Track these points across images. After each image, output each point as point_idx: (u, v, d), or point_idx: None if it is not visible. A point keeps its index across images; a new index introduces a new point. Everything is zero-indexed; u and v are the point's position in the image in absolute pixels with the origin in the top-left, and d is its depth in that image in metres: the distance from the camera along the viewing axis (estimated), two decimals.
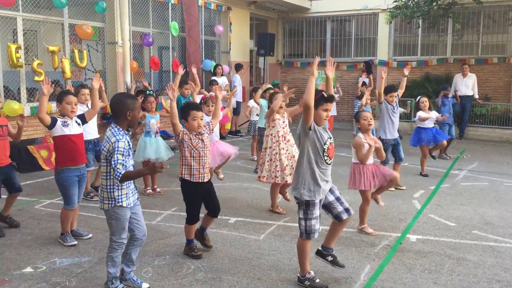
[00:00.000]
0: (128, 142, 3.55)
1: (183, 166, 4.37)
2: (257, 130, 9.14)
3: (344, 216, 3.97)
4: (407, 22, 14.07)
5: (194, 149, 4.32)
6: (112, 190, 3.55)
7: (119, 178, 3.42)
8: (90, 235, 5.00)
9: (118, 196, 3.55)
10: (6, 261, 4.37)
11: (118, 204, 3.55)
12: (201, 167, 4.36)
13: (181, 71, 7.42)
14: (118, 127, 3.55)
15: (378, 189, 5.32)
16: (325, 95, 3.83)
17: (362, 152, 5.07)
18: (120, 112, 3.56)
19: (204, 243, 4.65)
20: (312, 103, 3.66)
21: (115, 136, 3.47)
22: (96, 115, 5.62)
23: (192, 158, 4.33)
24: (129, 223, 3.71)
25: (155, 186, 6.88)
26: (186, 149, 4.33)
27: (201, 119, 4.37)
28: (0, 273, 4.10)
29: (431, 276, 4.14)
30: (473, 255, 4.63)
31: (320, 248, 4.12)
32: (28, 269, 4.20)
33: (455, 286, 3.95)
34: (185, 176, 4.37)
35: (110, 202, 3.56)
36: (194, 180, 4.36)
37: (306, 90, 3.68)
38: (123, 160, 3.44)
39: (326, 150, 3.79)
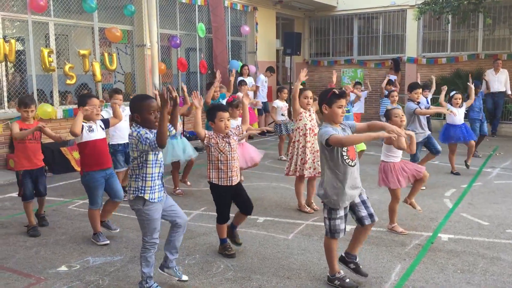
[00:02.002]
0: (150, 132, 3.59)
1: (211, 170, 4.40)
2: (289, 130, 9.17)
3: (367, 221, 3.86)
4: (436, 18, 13.84)
5: (221, 152, 4.35)
6: (136, 180, 3.63)
7: (156, 143, 3.43)
8: (118, 229, 5.11)
9: (142, 186, 3.60)
10: (42, 260, 4.49)
11: (140, 195, 3.60)
12: (229, 170, 4.37)
13: (218, 77, 7.48)
14: (138, 125, 3.62)
15: (411, 193, 5.24)
16: (336, 91, 3.78)
17: (395, 142, 4.94)
18: (132, 114, 3.66)
19: (234, 240, 4.68)
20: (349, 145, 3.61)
21: (134, 130, 3.57)
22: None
23: (219, 162, 4.35)
24: (168, 216, 3.80)
25: (186, 179, 6.99)
26: (213, 153, 4.36)
27: (228, 120, 4.39)
28: (36, 272, 4.22)
29: (464, 276, 4.07)
30: (507, 254, 4.52)
31: (343, 255, 4.04)
32: (63, 268, 4.31)
33: (489, 286, 3.86)
34: (213, 180, 4.40)
35: (134, 192, 3.62)
36: (222, 184, 4.39)
37: (352, 139, 3.60)
38: (150, 134, 3.51)
39: (345, 152, 3.70)
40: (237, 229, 4.71)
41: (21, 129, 5.03)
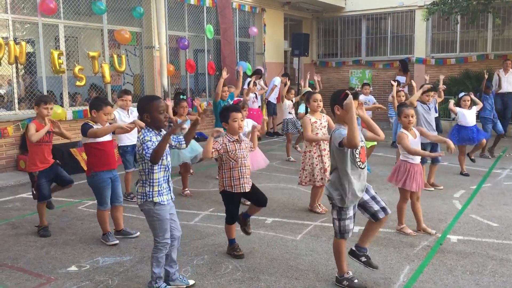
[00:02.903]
0: (158, 138, 3.62)
1: (223, 179, 4.41)
2: (295, 127, 9.20)
3: (381, 215, 3.89)
4: (445, 18, 13.77)
5: (233, 160, 4.37)
6: (144, 185, 3.66)
7: (150, 158, 3.49)
8: (138, 233, 5.13)
9: (149, 192, 3.63)
10: (52, 260, 4.54)
11: (149, 200, 3.63)
12: (241, 177, 4.40)
13: (224, 74, 7.55)
14: (148, 128, 3.66)
15: (418, 221, 5.20)
16: (349, 92, 3.79)
17: (406, 144, 4.98)
18: (140, 115, 3.69)
19: (244, 229, 4.71)
20: (358, 144, 3.55)
21: (143, 134, 3.61)
22: None
23: (231, 170, 4.37)
24: None
25: (192, 170, 7.01)
26: (224, 162, 4.38)
27: (242, 120, 4.45)
28: (47, 272, 4.26)
29: (473, 277, 4.05)
30: None
31: (353, 248, 4.05)
32: (73, 268, 4.35)
33: None
34: (227, 188, 4.41)
35: (142, 197, 3.66)
36: (236, 191, 4.41)
37: (350, 132, 3.50)
38: (152, 143, 3.53)
39: (357, 155, 3.73)
40: (249, 218, 4.72)
41: (37, 131, 5.07)
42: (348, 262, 4.00)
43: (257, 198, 4.57)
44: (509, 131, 12.46)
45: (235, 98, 8.56)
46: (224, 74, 7.62)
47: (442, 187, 7.01)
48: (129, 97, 6.51)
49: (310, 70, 16.37)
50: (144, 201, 3.66)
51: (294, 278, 4.07)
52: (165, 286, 3.76)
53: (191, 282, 3.95)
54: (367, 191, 3.89)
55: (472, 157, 8.22)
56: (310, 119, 5.77)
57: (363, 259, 3.99)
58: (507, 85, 12.06)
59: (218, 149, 4.35)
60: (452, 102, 8.11)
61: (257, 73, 10.50)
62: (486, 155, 9.47)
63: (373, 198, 3.90)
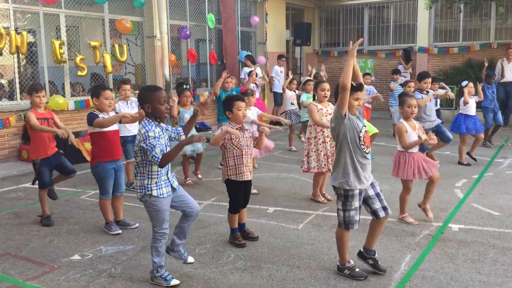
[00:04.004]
0: (160, 131, 3.62)
1: (228, 168, 4.44)
2: (297, 119, 9.21)
3: (381, 213, 3.88)
4: (448, 7, 13.68)
5: (236, 148, 4.40)
6: (142, 178, 3.65)
7: (158, 162, 3.50)
8: (137, 225, 5.14)
9: (148, 184, 3.63)
10: (55, 249, 4.57)
11: (148, 193, 3.63)
12: (244, 166, 4.43)
13: (224, 75, 7.57)
14: (148, 119, 3.64)
15: (425, 198, 5.19)
16: (354, 84, 3.78)
17: (404, 139, 4.99)
18: (141, 105, 3.67)
19: (250, 237, 4.69)
20: (348, 84, 3.55)
21: (144, 127, 3.58)
22: None
23: (235, 158, 4.40)
24: (179, 206, 3.83)
25: (198, 172, 7.02)
26: (228, 150, 4.41)
27: (246, 110, 4.47)
28: (50, 260, 4.29)
29: (474, 265, 4.07)
30: None
31: (361, 250, 4.05)
32: (76, 257, 4.38)
33: (498, 276, 3.86)
34: (232, 177, 4.44)
35: (141, 190, 3.66)
36: (240, 179, 4.44)
37: (343, 71, 3.60)
38: (159, 144, 3.53)
39: (362, 138, 3.75)
40: (245, 226, 4.75)
41: (37, 119, 5.09)
42: (350, 251, 4.02)
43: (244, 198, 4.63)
44: (511, 121, 12.42)
45: (250, 87, 8.55)
46: (224, 75, 7.62)
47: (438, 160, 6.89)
48: (128, 86, 6.49)
49: (312, 59, 16.34)
50: (143, 194, 3.66)
51: (296, 266, 4.09)
52: (167, 274, 3.78)
53: (191, 259, 4.00)
54: (373, 186, 3.89)
55: (474, 156, 8.10)
56: (316, 106, 5.78)
57: (371, 261, 3.98)
58: (510, 74, 12.00)
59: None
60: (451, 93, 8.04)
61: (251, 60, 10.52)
62: (488, 144, 9.46)
63: (378, 195, 3.90)
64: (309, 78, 8.87)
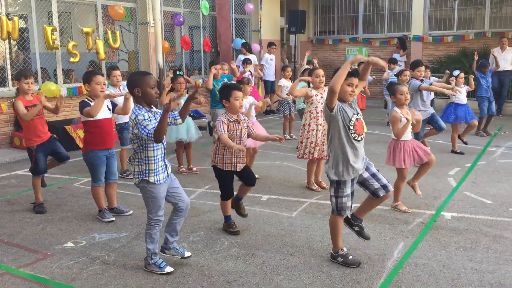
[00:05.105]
0: (151, 115, 3.59)
1: (217, 155, 4.44)
2: (291, 111, 9.19)
3: (381, 192, 3.88)
4: None
5: (230, 138, 4.37)
6: (140, 164, 3.64)
7: (152, 136, 3.46)
8: (131, 212, 5.13)
9: (146, 170, 3.62)
10: (48, 236, 4.55)
11: (145, 178, 3.62)
12: (233, 156, 4.41)
13: (214, 70, 7.45)
14: (138, 105, 3.62)
15: (415, 176, 5.24)
16: (350, 69, 3.76)
17: (397, 127, 5.00)
18: (130, 90, 3.65)
19: (240, 212, 4.72)
20: (337, 88, 3.55)
21: (134, 113, 3.56)
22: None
23: (225, 148, 4.38)
24: (171, 197, 3.82)
25: (191, 166, 6.99)
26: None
27: (242, 99, 4.44)
28: (43, 247, 4.28)
29: (466, 253, 4.10)
30: (510, 232, 4.55)
31: (349, 216, 4.05)
32: (69, 244, 4.36)
33: (490, 263, 3.90)
34: (218, 164, 4.44)
35: (139, 175, 3.65)
36: (226, 169, 4.43)
37: (336, 74, 3.57)
38: (150, 123, 3.50)
39: (352, 127, 3.72)
40: (242, 200, 4.74)
41: (26, 107, 5.04)
42: (344, 238, 4.04)
43: (247, 176, 4.56)
44: (505, 110, 12.48)
45: (239, 74, 8.47)
46: (214, 71, 7.48)
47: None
48: (118, 72, 6.43)
49: (306, 47, 16.26)
50: (141, 179, 3.65)
51: (290, 254, 4.10)
52: (161, 261, 3.78)
53: (187, 254, 3.99)
54: (367, 168, 3.89)
55: (465, 140, 8.16)
56: (311, 91, 5.78)
57: (356, 228, 4.03)
58: (504, 63, 12.04)
59: (222, 120, 4.35)
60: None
61: (247, 62, 10.40)
62: (481, 133, 9.50)
63: (374, 175, 3.89)
64: (308, 67, 8.81)
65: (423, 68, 7.19)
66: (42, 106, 5.10)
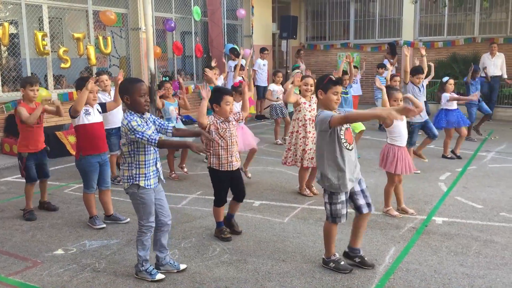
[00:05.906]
0: (143, 121, 3.59)
1: (212, 156, 4.42)
2: (284, 114, 9.20)
3: (365, 210, 3.87)
4: (433, 1, 13.76)
5: (222, 138, 4.38)
6: (130, 168, 3.62)
7: (156, 143, 3.50)
8: (128, 220, 5.06)
9: (136, 174, 3.60)
10: (38, 244, 4.51)
11: (135, 183, 3.59)
12: (229, 155, 4.41)
13: (213, 63, 7.51)
14: (130, 111, 3.62)
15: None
16: (333, 78, 3.77)
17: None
18: (121, 97, 3.65)
19: (234, 230, 4.68)
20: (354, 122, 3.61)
21: (126, 118, 3.56)
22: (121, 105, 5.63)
23: (220, 148, 4.38)
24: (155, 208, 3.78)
25: (184, 165, 6.98)
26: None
27: (232, 105, 4.45)
28: (33, 255, 4.24)
29: (457, 258, 4.11)
30: (500, 237, 4.57)
31: (347, 250, 4.05)
32: (59, 251, 4.32)
33: (481, 268, 3.91)
34: (214, 165, 4.43)
35: (129, 180, 3.62)
36: (222, 169, 4.41)
37: (361, 114, 3.64)
38: (147, 128, 3.52)
39: (343, 136, 3.70)
40: (234, 217, 4.73)
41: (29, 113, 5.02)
42: (336, 244, 4.03)
43: (238, 191, 4.58)
44: (495, 114, 12.57)
45: (236, 80, 8.47)
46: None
47: (419, 172, 6.95)
48: (105, 77, 6.41)
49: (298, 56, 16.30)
50: (131, 184, 3.63)
51: (281, 260, 4.10)
52: (152, 268, 3.76)
53: (183, 266, 3.93)
54: (359, 183, 3.88)
55: (458, 154, 8.11)
56: (300, 98, 5.81)
57: (357, 260, 3.98)
58: (494, 69, 12.15)
59: (211, 123, 4.38)
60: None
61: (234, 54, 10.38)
62: (472, 138, 9.56)
63: (362, 191, 3.89)
64: (298, 71, 8.82)
65: (423, 76, 7.23)
66: (43, 109, 5.09)
